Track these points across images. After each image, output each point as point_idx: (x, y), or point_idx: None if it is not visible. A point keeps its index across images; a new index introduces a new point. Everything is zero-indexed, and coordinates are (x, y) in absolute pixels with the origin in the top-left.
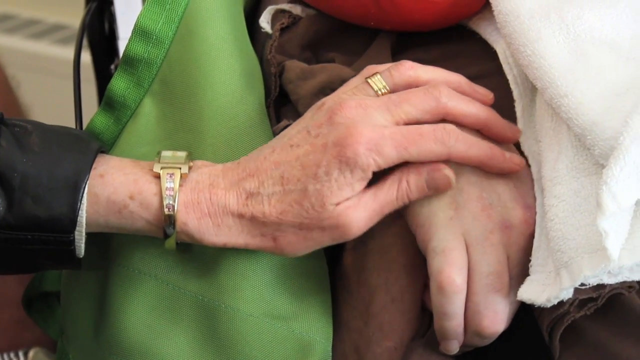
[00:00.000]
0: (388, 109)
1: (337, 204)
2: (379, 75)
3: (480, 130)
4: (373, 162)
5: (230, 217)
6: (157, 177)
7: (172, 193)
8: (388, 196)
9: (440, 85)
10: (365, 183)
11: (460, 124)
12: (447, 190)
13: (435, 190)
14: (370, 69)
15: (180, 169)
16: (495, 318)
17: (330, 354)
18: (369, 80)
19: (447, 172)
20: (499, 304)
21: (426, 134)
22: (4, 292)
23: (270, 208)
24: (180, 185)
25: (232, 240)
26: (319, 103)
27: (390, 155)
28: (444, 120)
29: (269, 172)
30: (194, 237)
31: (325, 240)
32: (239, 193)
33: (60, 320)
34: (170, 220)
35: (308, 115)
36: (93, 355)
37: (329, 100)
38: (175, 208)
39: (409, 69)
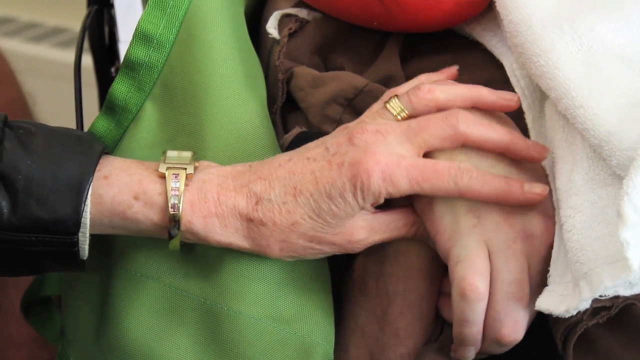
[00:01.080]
0: (407, 137)
1: (352, 222)
2: (397, 100)
3: (504, 154)
4: (385, 191)
5: (239, 219)
6: (162, 177)
7: (177, 193)
8: (397, 232)
9: (458, 112)
10: (374, 203)
11: (481, 149)
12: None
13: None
14: (389, 92)
15: (185, 169)
16: (516, 327)
17: (332, 356)
18: (388, 105)
19: None
20: (519, 313)
21: (441, 171)
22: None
23: (281, 217)
24: (186, 185)
25: (237, 242)
26: (342, 126)
27: (402, 187)
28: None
29: (282, 179)
30: (200, 236)
31: (333, 251)
32: (248, 196)
33: (58, 325)
34: (175, 219)
35: (331, 134)
36: (94, 359)
37: (351, 124)
38: (181, 208)
39: (427, 93)
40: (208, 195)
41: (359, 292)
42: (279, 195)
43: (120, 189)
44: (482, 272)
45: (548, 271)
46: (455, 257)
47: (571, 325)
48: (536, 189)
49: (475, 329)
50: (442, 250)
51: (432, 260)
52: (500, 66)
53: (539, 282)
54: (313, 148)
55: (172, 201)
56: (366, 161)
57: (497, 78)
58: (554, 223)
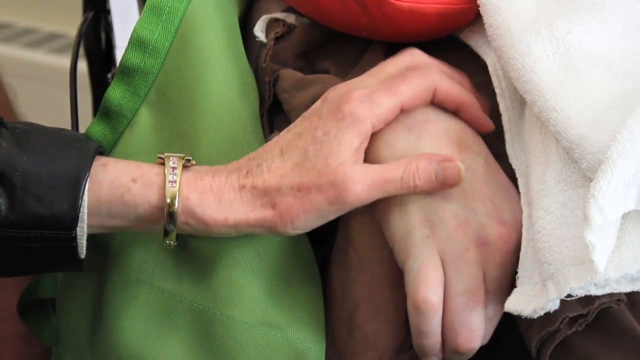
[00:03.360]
0: (372, 75)
1: (338, 160)
2: None
3: (457, 109)
4: (369, 112)
5: (232, 190)
6: (161, 163)
7: (175, 171)
8: (393, 173)
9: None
10: (364, 140)
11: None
12: (455, 185)
13: (442, 184)
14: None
15: (183, 157)
16: (471, 335)
17: None
18: None
19: (459, 163)
20: (473, 321)
21: (410, 74)
22: (8, 305)
23: (270, 175)
24: (184, 166)
25: (232, 215)
26: None
27: (383, 101)
28: None
29: (268, 152)
30: (196, 214)
31: (323, 202)
32: (240, 171)
33: (54, 327)
34: (172, 197)
35: None
36: None
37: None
38: (178, 183)
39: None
40: (203, 175)
41: (328, 298)
42: (267, 160)
43: (119, 174)
44: (434, 285)
45: (507, 277)
46: (408, 269)
47: (548, 334)
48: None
49: (432, 340)
50: (399, 261)
51: (395, 267)
52: (483, 68)
53: (496, 288)
54: (294, 124)
55: (169, 177)
56: (341, 98)
57: (479, 82)
58: (510, 229)
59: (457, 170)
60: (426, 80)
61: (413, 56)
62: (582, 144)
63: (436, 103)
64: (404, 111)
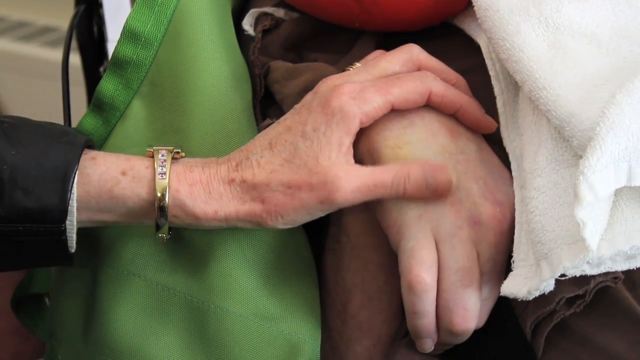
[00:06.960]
0: (366, 70)
1: (329, 160)
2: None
3: (456, 113)
4: (358, 109)
5: (222, 184)
6: (150, 155)
7: (164, 164)
8: (384, 177)
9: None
10: (353, 137)
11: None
12: (445, 195)
13: (432, 192)
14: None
15: (172, 150)
16: (466, 315)
17: (319, 354)
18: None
19: (452, 175)
20: (468, 300)
21: (404, 76)
22: (1, 300)
23: (259, 169)
24: (173, 158)
25: (222, 208)
26: None
27: (374, 99)
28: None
29: (258, 145)
30: (186, 206)
31: (313, 201)
32: (229, 162)
33: (48, 322)
34: (162, 191)
35: None
36: (82, 357)
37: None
38: (168, 175)
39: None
40: (193, 167)
41: (321, 288)
42: (256, 154)
43: (108, 167)
44: (428, 263)
45: (501, 258)
46: (402, 249)
47: (544, 315)
48: (490, 119)
49: (426, 320)
50: (393, 244)
51: (389, 254)
52: (477, 53)
53: (490, 269)
54: (285, 116)
55: (159, 170)
56: (332, 93)
57: (473, 66)
58: (505, 210)
59: (448, 180)
60: (420, 85)
61: (411, 53)
62: (572, 121)
63: (432, 107)
64: (393, 110)
